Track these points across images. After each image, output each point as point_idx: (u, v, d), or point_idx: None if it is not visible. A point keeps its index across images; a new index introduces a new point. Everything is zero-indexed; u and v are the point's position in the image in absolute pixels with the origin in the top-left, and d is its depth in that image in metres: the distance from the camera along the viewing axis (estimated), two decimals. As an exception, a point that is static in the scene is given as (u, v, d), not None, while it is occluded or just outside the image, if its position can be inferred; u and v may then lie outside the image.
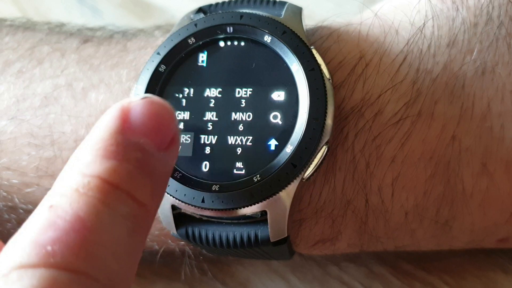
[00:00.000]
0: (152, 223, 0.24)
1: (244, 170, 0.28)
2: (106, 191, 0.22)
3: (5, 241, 0.36)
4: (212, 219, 0.29)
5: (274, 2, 0.31)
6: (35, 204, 0.33)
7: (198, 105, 0.30)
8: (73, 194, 0.22)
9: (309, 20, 0.32)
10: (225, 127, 0.29)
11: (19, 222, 0.34)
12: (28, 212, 0.34)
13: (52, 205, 0.22)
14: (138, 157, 0.23)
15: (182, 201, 0.28)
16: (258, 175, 0.28)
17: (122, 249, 0.22)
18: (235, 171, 0.28)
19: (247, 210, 0.28)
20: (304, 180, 0.28)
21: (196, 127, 0.29)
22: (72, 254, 0.20)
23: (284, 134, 0.28)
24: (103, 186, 0.22)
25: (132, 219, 0.22)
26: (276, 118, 0.29)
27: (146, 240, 0.24)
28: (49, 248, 0.20)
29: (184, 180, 0.28)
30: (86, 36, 0.36)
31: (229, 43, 0.30)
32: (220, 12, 0.31)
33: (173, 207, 0.29)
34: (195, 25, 0.30)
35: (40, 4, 0.56)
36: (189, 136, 0.29)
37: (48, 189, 0.32)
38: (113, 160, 0.22)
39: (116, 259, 0.21)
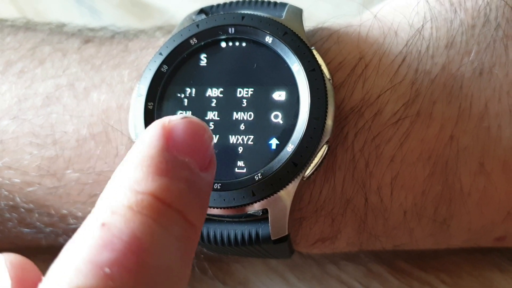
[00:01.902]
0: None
1: (245, 169, 0.29)
2: (160, 210, 0.21)
3: (7, 241, 0.36)
4: (213, 218, 0.30)
5: (275, 4, 0.31)
6: (36, 203, 0.33)
7: (200, 105, 0.30)
8: (127, 212, 0.20)
9: (307, 22, 0.32)
10: (226, 126, 0.29)
11: (20, 221, 0.34)
12: (30, 211, 0.34)
13: (105, 223, 0.20)
14: (187, 175, 0.22)
15: (184, 200, 0.28)
16: (260, 174, 0.28)
17: (176, 274, 0.21)
18: (236, 170, 0.29)
19: (248, 208, 0.28)
20: (304, 179, 0.28)
21: None
22: (131, 278, 0.19)
23: (285, 134, 0.29)
24: (157, 204, 0.21)
25: (185, 240, 0.21)
26: (277, 117, 0.29)
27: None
28: (107, 270, 0.19)
29: (186, 179, 0.29)
30: (87, 36, 0.36)
31: (230, 43, 0.30)
32: (222, 13, 0.31)
33: (175, 206, 0.29)
34: (197, 25, 0.30)
35: (38, 4, 0.56)
36: None
37: (49, 188, 0.33)
38: (165, 178, 0.21)
39: (171, 285, 0.20)
